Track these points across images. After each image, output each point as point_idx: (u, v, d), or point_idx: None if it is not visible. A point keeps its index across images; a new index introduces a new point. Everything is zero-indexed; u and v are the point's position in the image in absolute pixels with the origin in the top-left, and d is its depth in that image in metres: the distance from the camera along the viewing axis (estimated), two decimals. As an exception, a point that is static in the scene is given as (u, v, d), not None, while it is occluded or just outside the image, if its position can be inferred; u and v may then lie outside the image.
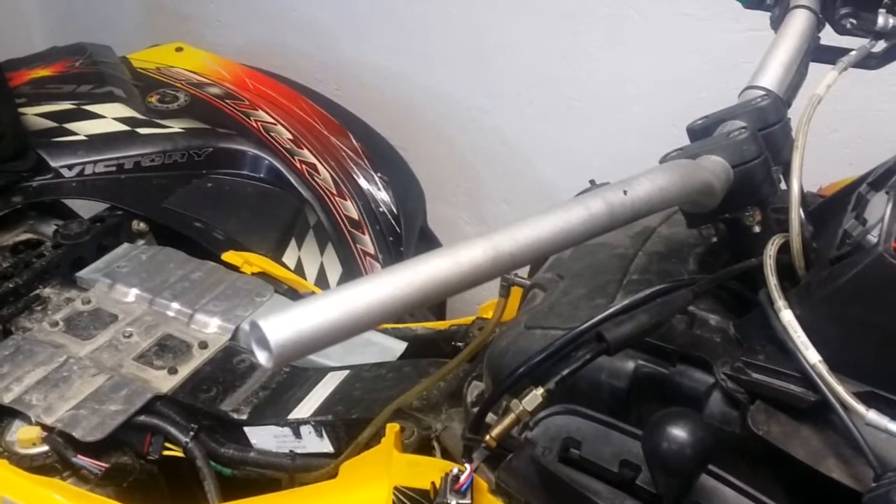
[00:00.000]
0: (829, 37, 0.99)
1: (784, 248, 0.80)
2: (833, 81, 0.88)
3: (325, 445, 1.13)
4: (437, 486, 0.82)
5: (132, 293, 1.38)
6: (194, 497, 1.15)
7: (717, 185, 0.75)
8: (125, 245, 1.51)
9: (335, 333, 0.54)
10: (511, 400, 0.79)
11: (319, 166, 1.76)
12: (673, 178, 0.71)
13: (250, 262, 1.47)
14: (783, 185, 0.84)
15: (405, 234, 1.77)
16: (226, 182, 1.71)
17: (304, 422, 1.13)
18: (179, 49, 2.06)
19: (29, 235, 1.54)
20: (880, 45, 0.96)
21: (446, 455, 1.01)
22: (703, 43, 1.86)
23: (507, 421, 0.78)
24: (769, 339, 0.77)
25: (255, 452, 1.16)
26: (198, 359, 1.26)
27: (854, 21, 0.96)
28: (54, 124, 1.68)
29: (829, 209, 0.87)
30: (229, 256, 1.48)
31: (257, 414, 1.18)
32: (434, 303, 0.67)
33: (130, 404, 1.15)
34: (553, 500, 0.80)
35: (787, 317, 0.74)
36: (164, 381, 1.21)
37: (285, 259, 1.60)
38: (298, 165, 1.74)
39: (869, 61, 0.96)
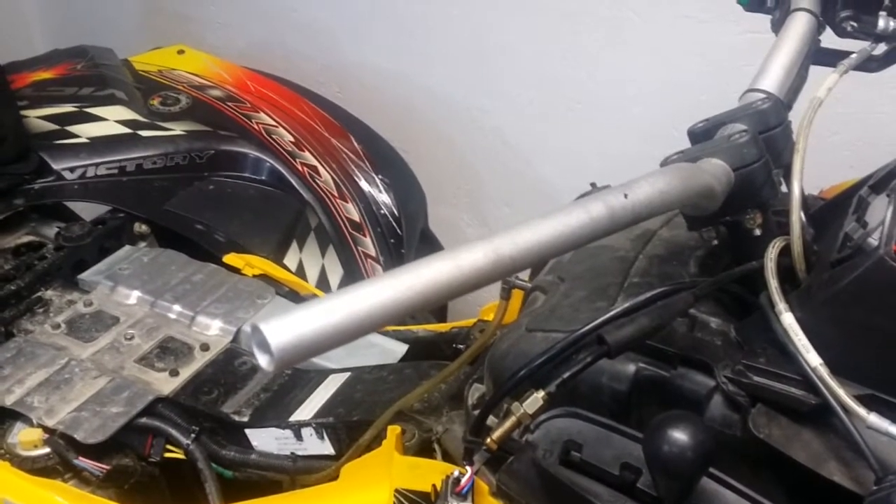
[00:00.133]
0: (829, 39, 0.99)
1: (785, 251, 0.80)
2: (834, 84, 0.88)
3: (327, 447, 1.13)
4: (438, 488, 0.82)
5: (134, 295, 1.38)
6: (195, 499, 1.15)
7: (717, 188, 0.75)
8: (127, 247, 1.51)
9: (336, 337, 0.54)
10: (512, 402, 0.79)
11: (321, 168, 1.77)
12: (673, 182, 0.71)
13: (252, 264, 1.47)
14: (784, 188, 0.84)
15: (406, 236, 1.77)
16: (227, 184, 1.71)
17: (306, 424, 1.13)
18: (181, 51, 2.06)
19: (31, 238, 1.54)
20: (881, 48, 0.96)
21: (447, 457, 1.01)
22: (703, 45, 1.86)
23: (508, 423, 0.79)
24: (770, 342, 0.77)
25: (256, 454, 1.16)
26: (199, 361, 1.26)
27: (855, 24, 0.97)
28: (56, 127, 1.69)
29: (829, 212, 0.87)
30: (231, 259, 1.49)
31: (258, 416, 1.18)
32: (435, 306, 0.68)
33: (132, 406, 1.15)
34: (554, 503, 0.80)
35: (788, 320, 0.74)
36: (165, 384, 1.21)
37: (286, 261, 1.60)
38: (300, 168, 1.75)
39: (869, 64, 0.96)
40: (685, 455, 0.68)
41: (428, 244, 1.87)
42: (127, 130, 1.70)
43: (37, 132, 1.66)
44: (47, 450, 1.11)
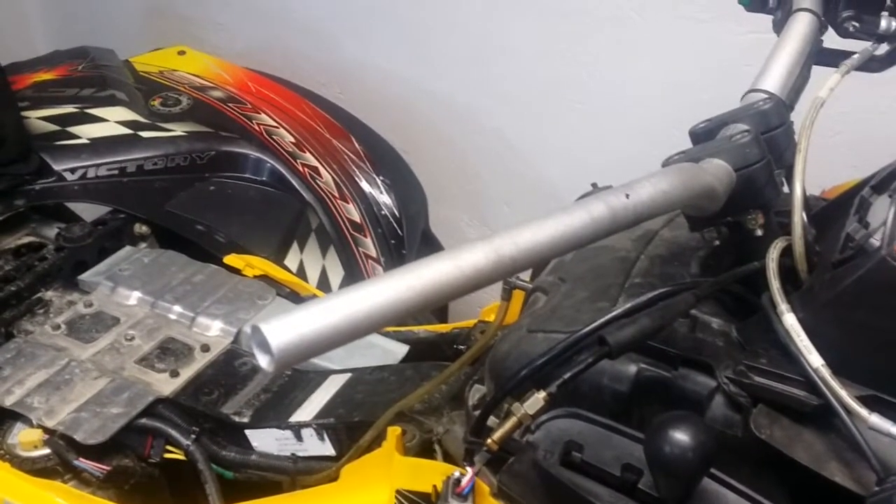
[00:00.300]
0: (831, 40, 0.99)
1: (787, 252, 0.80)
2: (836, 84, 0.88)
3: (327, 448, 1.13)
4: (439, 489, 0.82)
5: (134, 296, 1.38)
6: (196, 500, 1.15)
7: (719, 188, 0.75)
8: (127, 248, 1.51)
9: (337, 337, 0.54)
10: (513, 403, 0.79)
11: (321, 169, 1.76)
12: (675, 182, 0.71)
13: (252, 264, 1.47)
14: (786, 189, 0.84)
15: (407, 237, 1.77)
16: (228, 185, 1.71)
17: (306, 425, 1.13)
18: (182, 52, 2.07)
19: (31, 238, 1.54)
20: (883, 48, 0.96)
21: (448, 458, 1.00)
22: (705, 45, 1.85)
23: (509, 424, 0.78)
24: (772, 343, 0.76)
25: (256, 455, 1.16)
26: (199, 362, 1.26)
27: (857, 24, 0.96)
28: (57, 128, 1.69)
29: (831, 212, 0.86)
30: (231, 259, 1.49)
31: (259, 417, 1.18)
32: (436, 307, 0.67)
33: (132, 407, 1.15)
34: (555, 504, 0.80)
35: (790, 320, 0.74)
36: (165, 384, 1.21)
37: (287, 262, 1.60)
38: (300, 168, 1.75)
39: (871, 64, 0.95)
40: (686, 456, 0.68)
41: (429, 245, 1.87)
42: (128, 131, 1.70)
43: (38, 133, 1.66)
44: (47, 450, 1.11)
